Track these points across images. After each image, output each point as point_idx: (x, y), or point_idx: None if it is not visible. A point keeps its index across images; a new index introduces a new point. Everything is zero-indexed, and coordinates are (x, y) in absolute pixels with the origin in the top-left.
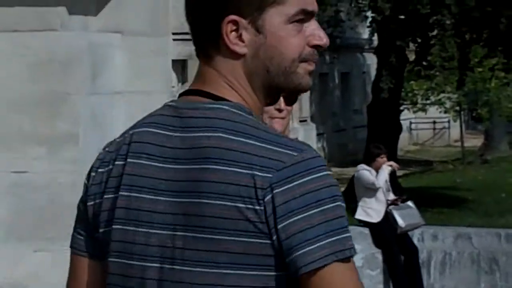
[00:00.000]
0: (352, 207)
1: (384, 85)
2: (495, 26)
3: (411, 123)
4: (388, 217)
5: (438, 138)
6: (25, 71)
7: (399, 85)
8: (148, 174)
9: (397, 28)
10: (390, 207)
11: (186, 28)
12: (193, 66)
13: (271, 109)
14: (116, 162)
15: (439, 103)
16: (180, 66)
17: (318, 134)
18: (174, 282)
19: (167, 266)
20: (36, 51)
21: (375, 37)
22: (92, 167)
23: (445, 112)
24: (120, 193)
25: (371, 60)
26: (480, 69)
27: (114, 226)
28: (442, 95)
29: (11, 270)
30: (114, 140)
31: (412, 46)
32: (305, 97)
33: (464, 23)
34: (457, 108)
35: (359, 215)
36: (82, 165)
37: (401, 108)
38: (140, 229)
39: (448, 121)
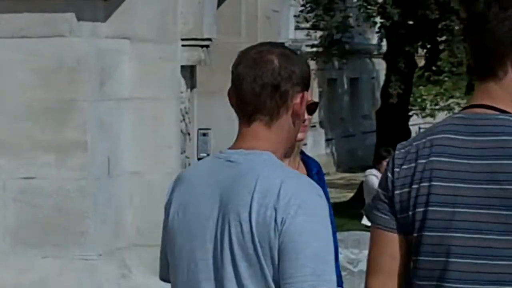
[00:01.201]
0: (361, 213)
1: (393, 90)
2: None
3: (420, 128)
4: None
5: None
6: (33, 77)
7: (408, 91)
8: (450, 168)
9: (406, 34)
10: None
11: (194, 34)
12: (201, 72)
13: None
14: (419, 161)
15: (448, 108)
16: (188, 71)
17: (327, 140)
18: (481, 247)
19: (474, 236)
20: (44, 57)
21: (384, 43)
22: (394, 164)
23: None
24: (432, 183)
25: (380, 66)
26: None
27: (430, 208)
28: (451, 100)
29: (19, 277)
30: (411, 143)
31: (421, 51)
32: None
33: None
34: None
35: (367, 220)
36: (90, 171)
37: (410, 113)
38: (450, 209)
39: None
